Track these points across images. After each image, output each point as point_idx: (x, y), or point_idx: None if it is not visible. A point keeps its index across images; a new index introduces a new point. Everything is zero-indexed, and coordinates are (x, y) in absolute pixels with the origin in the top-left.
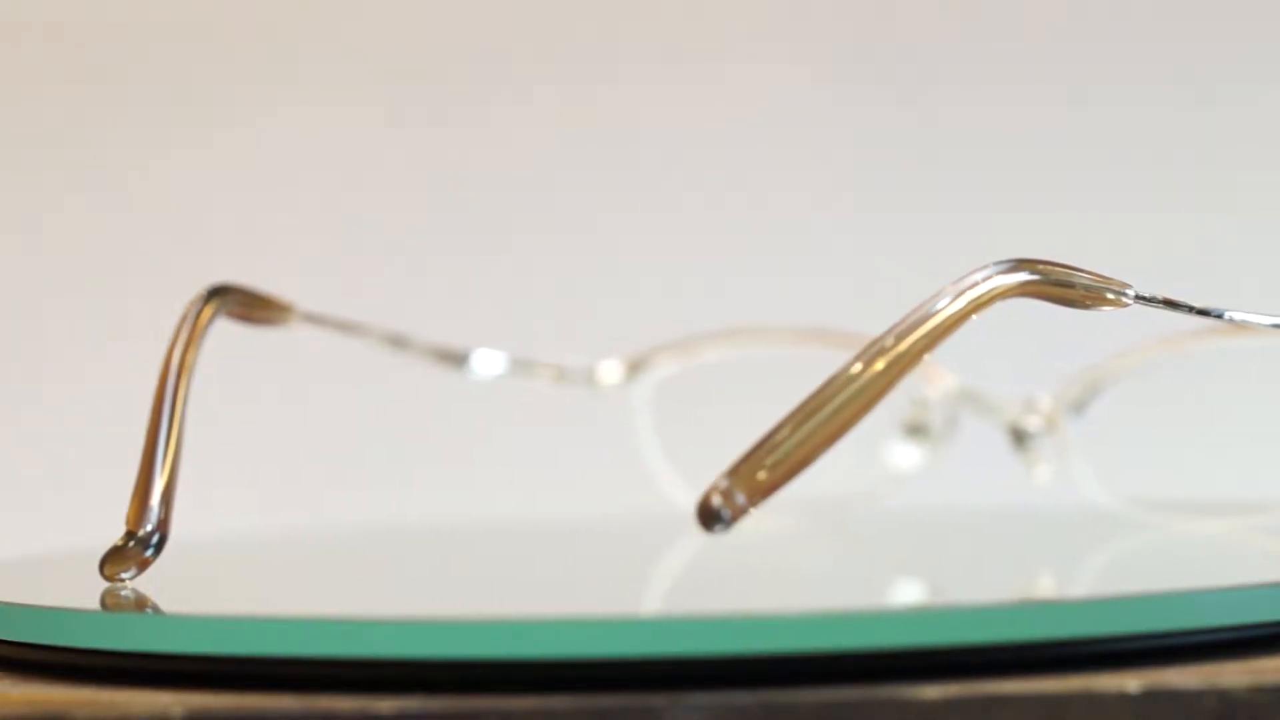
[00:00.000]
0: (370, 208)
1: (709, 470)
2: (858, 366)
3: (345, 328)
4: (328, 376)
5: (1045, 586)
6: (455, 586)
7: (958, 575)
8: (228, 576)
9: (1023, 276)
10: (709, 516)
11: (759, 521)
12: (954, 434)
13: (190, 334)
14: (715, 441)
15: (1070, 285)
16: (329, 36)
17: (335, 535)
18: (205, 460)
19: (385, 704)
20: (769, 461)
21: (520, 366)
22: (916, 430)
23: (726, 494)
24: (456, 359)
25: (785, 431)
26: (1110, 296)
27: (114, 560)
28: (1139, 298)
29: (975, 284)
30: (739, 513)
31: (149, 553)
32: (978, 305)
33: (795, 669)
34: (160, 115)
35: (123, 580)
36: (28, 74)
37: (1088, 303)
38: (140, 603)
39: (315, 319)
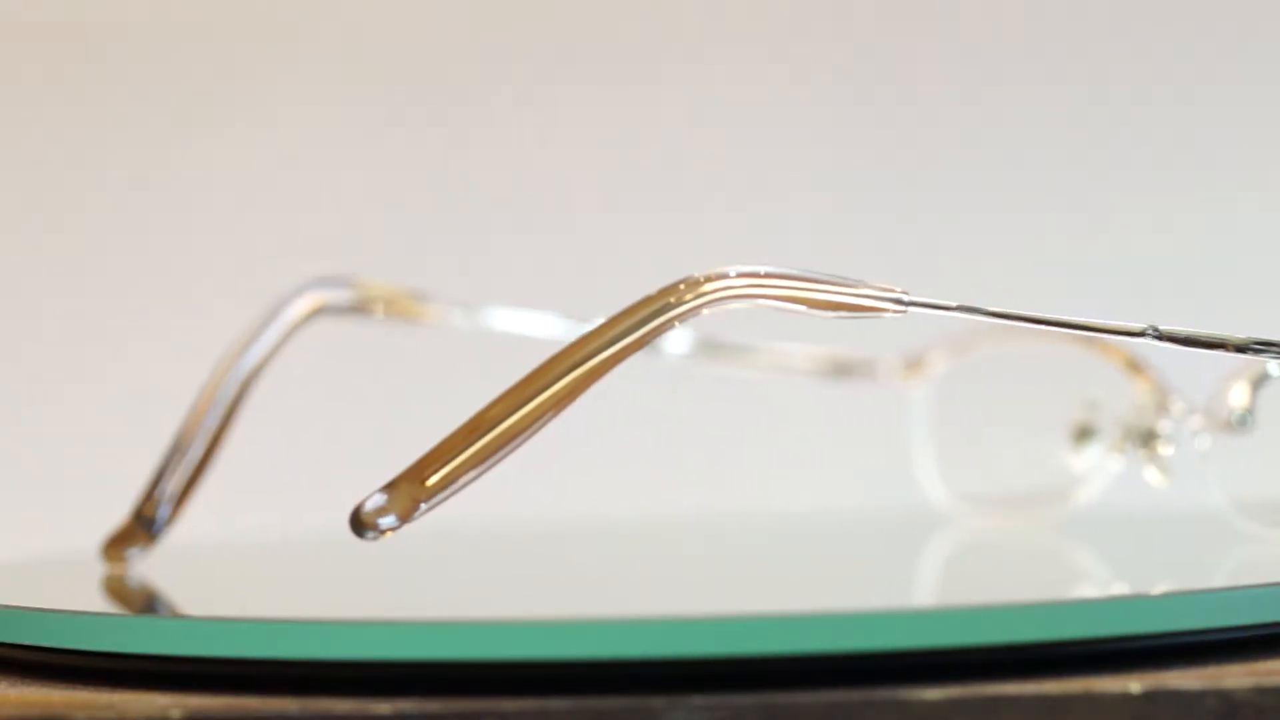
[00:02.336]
0: (371, 208)
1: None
2: (544, 377)
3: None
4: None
5: (1047, 588)
6: (455, 588)
7: (958, 576)
8: (228, 578)
9: (744, 285)
10: (360, 525)
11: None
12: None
13: (283, 331)
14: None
15: (813, 291)
16: (330, 37)
17: (335, 536)
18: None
19: (383, 705)
20: (431, 474)
21: (803, 361)
22: (1086, 434)
23: (381, 509)
24: (727, 350)
25: (457, 440)
26: (849, 302)
27: (119, 540)
28: (899, 301)
29: (677, 293)
30: (392, 525)
31: (153, 530)
32: (683, 315)
33: (796, 670)
34: (160, 115)
35: (123, 560)
36: (28, 74)
37: (834, 309)
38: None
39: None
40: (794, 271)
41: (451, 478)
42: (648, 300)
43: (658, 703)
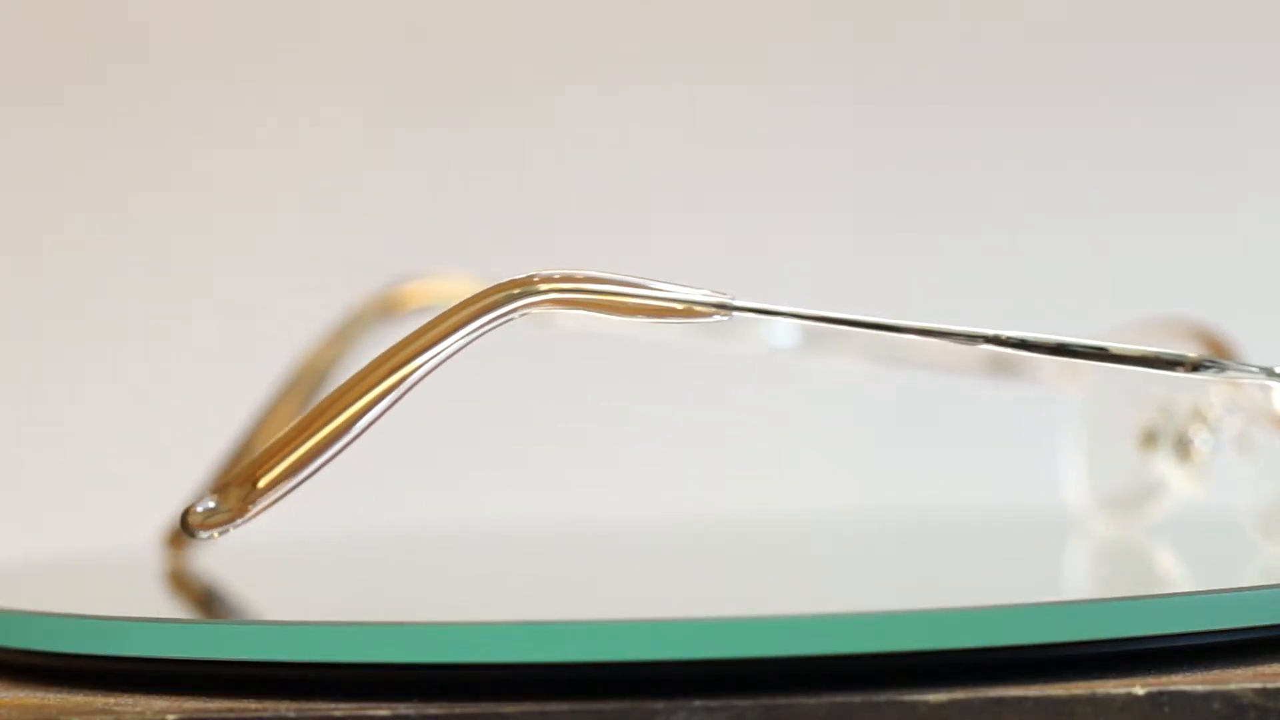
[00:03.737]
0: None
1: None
2: (368, 379)
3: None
4: None
5: (1049, 588)
6: (454, 590)
7: (959, 577)
8: (227, 579)
9: (554, 292)
10: (189, 528)
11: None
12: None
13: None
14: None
15: (627, 296)
16: (329, 36)
17: (333, 537)
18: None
19: (381, 709)
20: (263, 475)
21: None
22: (1152, 439)
23: (211, 510)
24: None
25: (288, 441)
26: (673, 307)
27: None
28: (723, 306)
29: (489, 299)
30: (222, 522)
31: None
32: (492, 322)
33: (797, 673)
34: (159, 116)
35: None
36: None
37: (644, 314)
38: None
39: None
40: (613, 275)
41: (283, 478)
42: (461, 306)
43: (658, 705)
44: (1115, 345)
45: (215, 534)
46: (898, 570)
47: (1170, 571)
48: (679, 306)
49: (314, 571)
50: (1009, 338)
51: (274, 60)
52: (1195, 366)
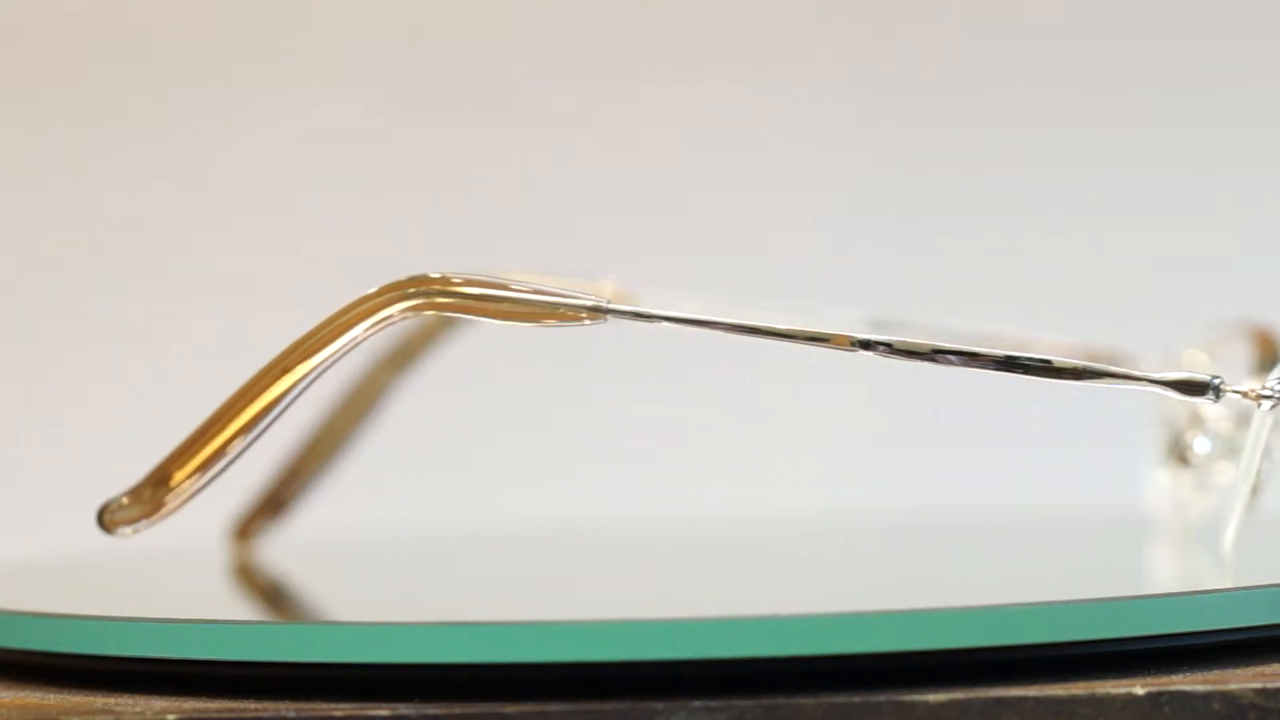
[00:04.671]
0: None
1: None
2: (264, 380)
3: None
4: None
5: (1049, 588)
6: (453, 590)
7: (959, 577)
8: (226, 579)
9: (424, 294)
10: (104, 526)
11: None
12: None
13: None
14: None
15: (504, 300)
16: (329, 36)
17: (332, 538)
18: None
19: (381, 709)
20: (174, 473)
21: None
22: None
23: (124, 507)
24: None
25: (197, 439)
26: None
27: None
28: (597, 309)
29: (372, 303)
30: (136, 518)
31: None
32: (377, 325)
33: (797, 673)
34: (159, 116)
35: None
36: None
37: (530, 319)
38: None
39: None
40: (489, 278)
41: (192, 476)
42: (348, 309)
43: (658, 705)
44: (978, 349)
45: (130, 531)
46: (898, 570)
47: (1171, 571)
48: (552, 310)
49: (313, 572)
50: (879, 341)
51: (274, 60)
52: (1077, 374)
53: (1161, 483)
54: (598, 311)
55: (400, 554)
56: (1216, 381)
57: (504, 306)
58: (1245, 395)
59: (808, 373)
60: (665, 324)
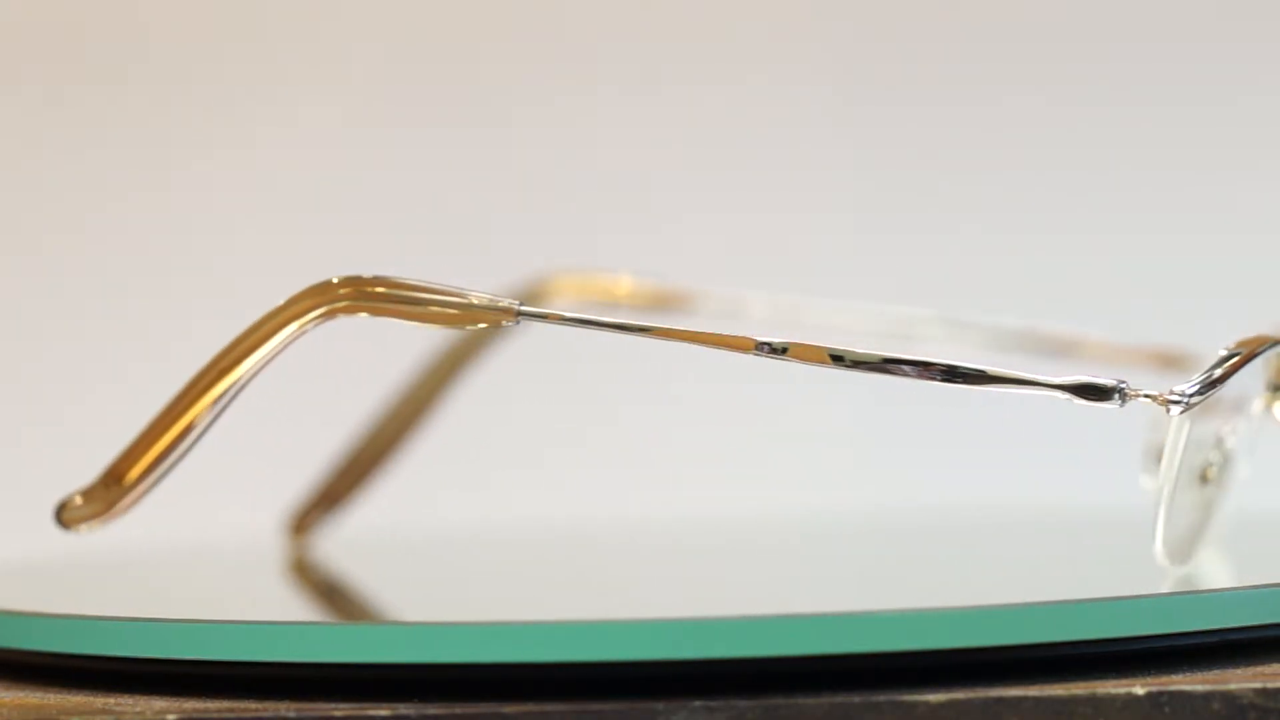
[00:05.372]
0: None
1: None
2: (200, 384)
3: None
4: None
5: (1049, 589)
6: (453, 590)
7: (959, 577)
8: (226, 580)
9: (345, 297)
10: (62, 524)
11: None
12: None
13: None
14: None
15: (419, 302)
16: (329, 36)
17: (332, 540)
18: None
19: (381, 709)
20: (126, 472)
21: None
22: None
23: (79, 505)
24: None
25: (148, 438)
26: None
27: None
28: (509, 312)
29: (296, 306)
30: (90, 516)
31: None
32: (303, 327)
33: (797, 673)
34: (159, 116)
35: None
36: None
37: (442, 321)
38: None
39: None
40: (405, 280)
41: (142, 475)
42: (275, 313)
43: (658, 705)
44: (846, 350)
45: (83, 528)
46: (897, 570)
47: (1170, 572)
48: (464, 313)
49: (313, 572)
50: (777, 344)
51: (273, 60)
52: (981, 379)
53: (1146, 486)
54: (509, 314)
55: (400, 554)
56: (1122, 386)
57: (418, 310)
58: (1154, 400)
59: (808, 373)
60: (572, 326)
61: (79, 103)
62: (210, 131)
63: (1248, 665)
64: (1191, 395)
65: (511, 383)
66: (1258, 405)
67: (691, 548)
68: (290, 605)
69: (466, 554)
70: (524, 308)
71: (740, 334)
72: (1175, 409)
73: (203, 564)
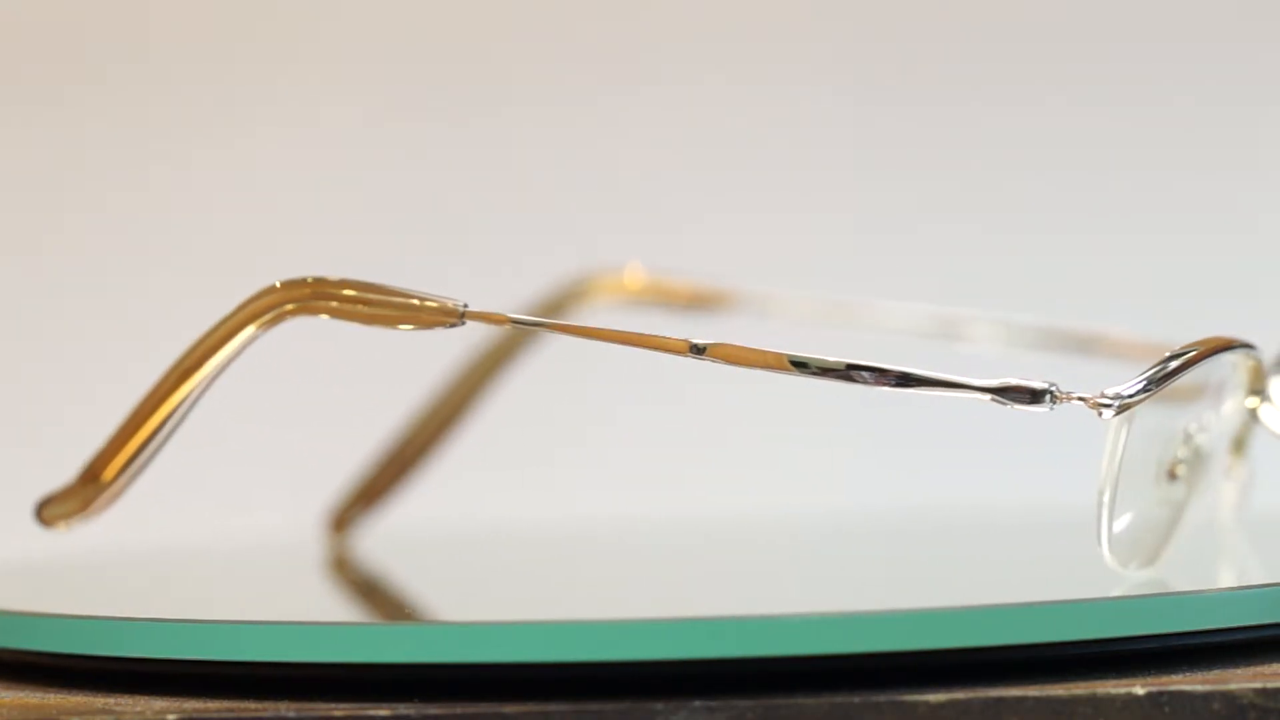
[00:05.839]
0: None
1: None
2: (165, 384)
3: None
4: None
5: (1049, 589)
6: (453, 590)
7: (959, 577)
8: (226, 580)
9: (294, 299)
10: (43, 522)
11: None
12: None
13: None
14: None
15: (368, 303)
16: (329, 36)
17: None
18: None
19: (381, 709)
20: (103, 470)
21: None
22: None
23: (58, 503)
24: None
25: (124, 435)
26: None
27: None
28: (454, 313)
29: (251, 307)
30: (72, 513)
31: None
32: (262, 327)
33: (797, 673)
34: (159, 116)
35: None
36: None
37: (398, 322)
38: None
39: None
40: (355, 281)
41: (118, 474)
42: (234, 313)
43: (658, 705)
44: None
45: (62, 526)
46: (897, 570)
47: (1170, 571)
48: (411, 314)
49: (310, 573)
50: (699, 344)
51: (274, 60)
52: (905, 381)
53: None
54: (454, 315)
55: (399, 554)
56: (1051, 388)
57: (364, 310)
58: (1085, 403)
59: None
60: (517, 326)
61: (79, 103)
62: (211, 132)
63: (1248, 665)
64: (1130, 397)
65: (512, 382)
66: (1230, 405)
67: (692, 548)
68: (290, 605)
69: (466, 554)
70: (468, 309)
71: (676, 336)
72: (1108, 412)
73: (202, 564)
